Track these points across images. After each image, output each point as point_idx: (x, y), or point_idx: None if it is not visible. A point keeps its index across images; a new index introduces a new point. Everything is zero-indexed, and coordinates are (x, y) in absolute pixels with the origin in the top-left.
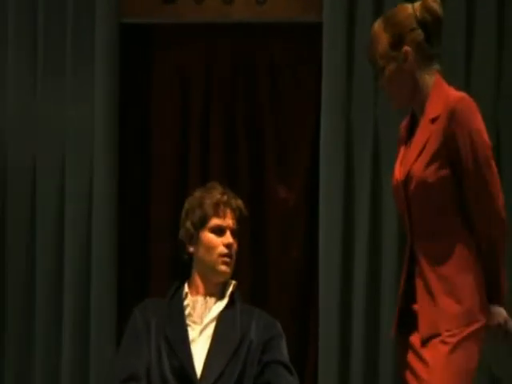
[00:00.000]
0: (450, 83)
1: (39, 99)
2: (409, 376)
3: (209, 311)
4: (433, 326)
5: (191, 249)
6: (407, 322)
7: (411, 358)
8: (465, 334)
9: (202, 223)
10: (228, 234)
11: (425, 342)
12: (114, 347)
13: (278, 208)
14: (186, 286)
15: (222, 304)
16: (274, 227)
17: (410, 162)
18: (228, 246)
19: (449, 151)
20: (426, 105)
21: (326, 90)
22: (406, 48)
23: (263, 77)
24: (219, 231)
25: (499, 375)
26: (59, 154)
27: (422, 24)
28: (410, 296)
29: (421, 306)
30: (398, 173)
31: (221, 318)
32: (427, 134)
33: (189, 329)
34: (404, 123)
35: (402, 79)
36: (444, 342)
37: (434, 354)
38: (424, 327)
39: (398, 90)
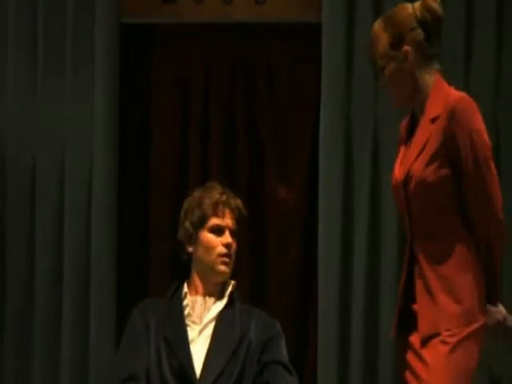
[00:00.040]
0: (449, 83)
1: (39, 99)
2: (408, 376)
3: (208, 311)
4: (433, 325)
5: (190, 249)
6: (407, 321)
7: (411, 357)
8: (465, 333)
9: (201, 223)
10: (227, 233)
11: (425, 342)
12: (114, 347)
13: (277, 208)
14: (185, 285)
15: (221, 304)
16: (274, 227)
17: (410, 161)
18: (227, 245)
19: (449, 151)
20: (426, 104)
21: (326, 90)
22: (406, 47)
23: (263, 77)
24: (218, 231)
25: (499, 374)
26: (59, 153)
27: (422, 23)
28: (409, 296)
29: (420, 306)
30: (398, 172)
31: (220, 318)
32: (427, 134)
33: (188, 329)
34: (404, 123)
35: (402, 79)
36: (444, 342)
37: (434, 353)
38: (424, 327)
39: (398, 90)
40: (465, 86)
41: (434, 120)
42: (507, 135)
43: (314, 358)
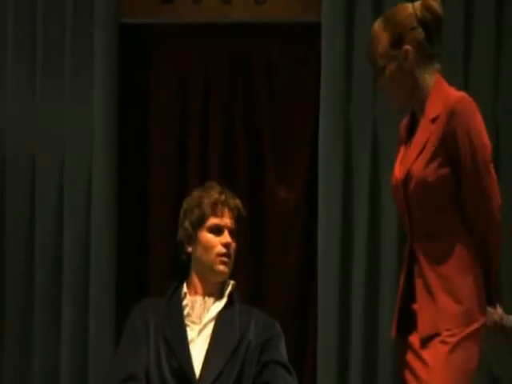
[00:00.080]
0: (448, 83)
1: (38, 100)
2: (408, 376)
3: (207, 311)
4: (432, 325)
5: (189, 249)
6: (406, 321)
7: (410, 357)
8: (465, 333)
9: (199, 223)
10: (226, 233)
11: (424, 342)
12: (113, 347)
13: (277, 208)
14: (184, 285)
15: (220, 304)
16: (273, 227)
17: (410, 161)
18: (226, 245)
19: (448, 151)
20: (427, 104)
21: (325, 90)
22: (407, 47)
23: (262, 77)
24: (217, 231)
25: (499, 374)
26: (59, 154)
27: (423, 23)
28: (409, 296)
29: (420, 306)
30: (398, 172)
31: (219, 318)
32: (427, 134)
33: (187, 329)
34: (404, 122)
35: (403, 78)
36: (444, 342)
37: (434, 354)
38: (424, 327)
39: (397, 90)
40: (464, 86)
41: (434, 120)
42: (506, 135)
43: (314, 358)
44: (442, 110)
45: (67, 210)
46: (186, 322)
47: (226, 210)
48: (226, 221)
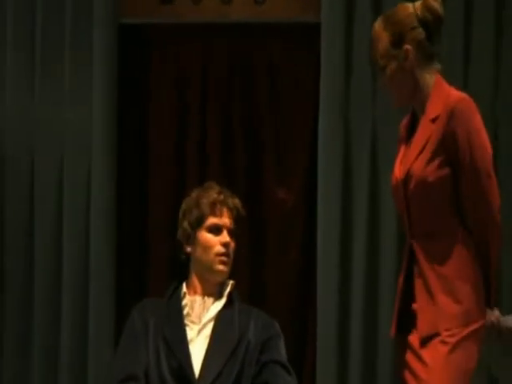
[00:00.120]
0: (448, 82)
1: (38, 101)
2: (408, 376)
3: (207, 311)
4: (432, 325)
5: (189, 249)
6: (406, 321)
7: (410, 357)
8: (464, 333)
9: (198, 223)
10: (225, 233)
11: (424, 342)
12: (113, 348)
13: (276, 208)
14: (184, 285)
15: (220, 304)
16: (273, 227)
17: (410, 160)
18: (225, 245)
19: (448, 151)
20: (427, 104)
21: (325, 90)
22: (407, 46)
23: (261, 77)
24: (216, 230)
25: (496, 375)
26: (58, 155)
27: (423, 23)
28: (408, 296)
29: (420, 306)
30: (398, 172)
31: (219, 318)
32: (428, 134)
33: (187, 329)
34: (404, 122)
35: (403, 78)
36: (444, 342)
37: (434, 353)
38: (423, 326)
39: (398, 89)
40: (463, 86)
41: (434, 120)
42: (506, 135)
43: (313, 358)
44: (442, 110)
45: (67, 210)
46: (186, 321)
47: (225, 210)
48: (225, 220)
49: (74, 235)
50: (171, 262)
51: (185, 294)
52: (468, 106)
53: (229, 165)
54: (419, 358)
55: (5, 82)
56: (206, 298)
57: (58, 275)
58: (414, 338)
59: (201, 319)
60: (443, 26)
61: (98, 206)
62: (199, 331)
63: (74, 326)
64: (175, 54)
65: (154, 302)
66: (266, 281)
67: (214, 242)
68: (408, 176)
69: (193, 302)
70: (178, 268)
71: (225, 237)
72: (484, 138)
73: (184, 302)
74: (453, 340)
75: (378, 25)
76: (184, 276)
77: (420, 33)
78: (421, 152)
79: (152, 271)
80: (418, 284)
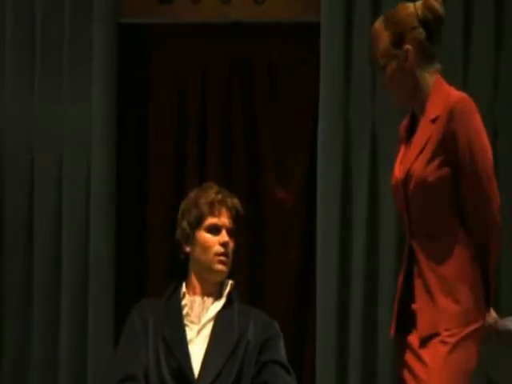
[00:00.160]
0: (447, 83)
1: (37, 99)
2: (407, 376)
3: (206, 311)
4: (432, 325)
5: (188, 249)
6: (405, 321)
7: (409, 357)
8: (464, 333)
9: (197, 223)
10: (224, 232)
11: (424, 342)
12: (112, 347)
13: (275, 208)
14: (183, 285)
15: (219, 304)
16: (272, 227)
17: (410, 161)
18: (224, 244)
19: (448, 151)
20: (427, 105)
21: (324, 90)
22: (407, 46)
23: (261, 77)
24: (215, 230)
25: (495, 378)
26: (57, 153)
27: (424, 23)
28: (408, 296)
29: (419, 306)
30: (398, 172)
31: (218, 318)
32: (428, 134)
33: (186, 329)
34: (404, 123)
35: (403, 78)
36: (443, 342)
37: (433, 353)
38: (423, 327)
39: (398, 89)
40: (463, 86)
41: (434, 120)
42: (505, 134)
43: (313, 358)
44: (442, 111)
45: (66, 208)
46: (185, 321)
47: (224, 210)
48: (224, 220)
49: (73, 232)
50: (170, 261)
51: (184, 294)
52: (468, 106)
53: (228, 164)
54: (419, 358)
55: (4, 80)
56: (205, 298)
57: (58, 273)
58: (413, 338)
59: (200, 319)
60: (443, 26)
61: (97, 204)
62: (199, 331)
63: (74, 324)
64: (175, 54)
65: (153, 302)
66: (266, 281)
67: (213, 242)
68: (408, 176)
69: (192, 302)
70: (177, 268)
71: (224, 237)
72: (484, 139)
73: (183, 302)
74: (452, 340)
75: (379, 24)
76: (183, 276)
77: (420, 33)
78: (421, 152)
79: (151, 271)
80: (418, 284)
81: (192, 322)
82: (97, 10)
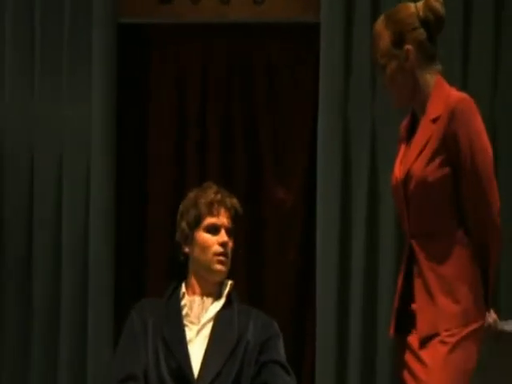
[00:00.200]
0: (447, 82)
1: (37, 99)
2: (407, 376)
3: (206, 311)
4: (432, 325)
5: (187, 249)
6: (405, 321)
7: (409, 358)
8: (464, 333)
9: (196, 223)
10: (223, 232)
11: (423, 342)
12: (111, 348)
13: (275, 208)
14: (183, 286)
15: (219, 304)
16: (272, 227)
17: (411, 160)
18: (223, 244)
19: (449, 152)
20: (427, 105)
21: (324, 90)
22: (408, 47)
23: (261, 77)
24: (214, 230)
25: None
26: (57, 153)
27: (425, 23)
28: (407, 295)
29: (419, 306)
30: (398, 171)
31: (218, 318)
32: (428, 134)
33: (186, 329)
34: (404, 123)
35: (403, 78)
36: (443, 342)
37: (433, 354)
38: (423, 327)
39: (398, 89)
40: (462, 86)
41: (435, 120)
42: (505, 134)
43: (312, 358)
44: (443, 111)
45: (66, 208)
46: (185, 322)
47: (223, 209)
48: (223, 220)
49: (73, 233)
50: (170, 262)
51: (184, 294)
52: (469, 107)
53: (228, 165)
54: (418, 358)
55: (4, 80)
56: (204, 298)
57: (57, 274)
58: (413, 339)
59: (200, 319)
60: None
61: (97, 204)
62: (198, 331)
63: (73, 326)
64: (175, 54)
65: (152, 303)
66: (265, 280)
67: (212, 242)
68: (408, 176)
69: (192, 303)
70: (177, 268)
71: (222, 236)
72: (485, 140)
73: (183, 303)
74: (452, 340)
75: (380, 23)
76: (183, 276)
77: (421, 33)
78: (421, 152)
79: (151, 271)
80: (418, 284)
81: (191, 322)
82: (96, 10)
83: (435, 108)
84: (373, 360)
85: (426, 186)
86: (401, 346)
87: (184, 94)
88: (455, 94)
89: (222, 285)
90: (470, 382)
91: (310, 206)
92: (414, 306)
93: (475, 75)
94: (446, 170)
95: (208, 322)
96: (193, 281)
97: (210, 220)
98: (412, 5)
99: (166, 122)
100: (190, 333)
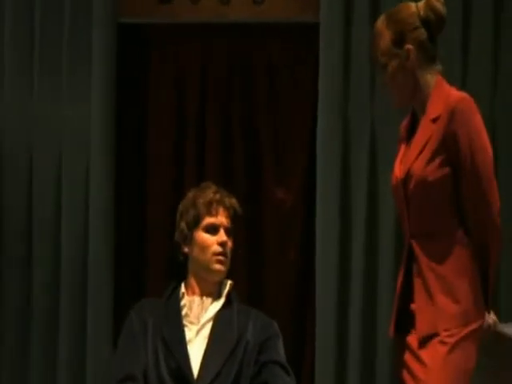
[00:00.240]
0: (446, 82)
1: (36, 99)
2: (406, 376)
3: (205, 311)
4: (431, 325)
5: (186, 249)
6: (405, 321)
7: (408, 358)
8: (463, 333)
9: (195, 223)
10: (222, 232)
11: (423, 342)
12: (111, 347)
13: (275, 208)
14: (182, 286)
15: (218, 304)
16: (271, 227)
17: (411, 160)
18: (222, 244)
19: (449, 151)
20: (428, 105)
21: (323, 90)
22: (409, 46)
23: (260, 77)
24: (213, 230)
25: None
26: (56, 153)
27: (426, 23)
28: (407, 295)
29: (419, 306)
30: (398, 171)
31: (217, 318)
32: (428, 134)
33: (186, 329)
34: (404, 123)
35: (404, 78)
36: (443, 342)
37: (432, 354)
38: (422, 326)
39: (398, 89)
40: (462, 86)
41: (435, 120)
42: (504, 134)
43: (312, 358)
44: (443, 110)
45: (65, 208)
46: (184, 322)
47: (222, 209)
48: (222, 220)
49: (72, 233)
50: (169, 262)
51: (183, 294)
52: (468, 106)
53: (228, 165)
54: (418, 358)
55: (3, 80)
56: (204, 298)
57: (57, 274)
58: (412, 339)
59: (199, 319)
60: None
61: (96, 206)
62: (198, 331)
63: (73, 325)
64: (174, 54)
65: (152, 303)
66: (265, 281)
67: (211, 242)
68: (408, 176)
69: (191, 303)
70: (176, 268)
71: (221, 236)
72: (485, 140)
73: (182, 303)
74: (452, 340)
75: (381, 22)
76: (182, 276)
77: (422, 33)
78: (421, 152)
79: (150, 271)
80: (417, 284)
81: (191, 323)
82: (96, 10)
83: (435, 108)
84: (372, 360)
85: (426, 186)
86: (400, 345)
87: (183, 94)
88: (455, 94)
89: (221, 285)
90: (469, 382)
91: (309, 206)
92: (413, 305)
93: (475, 75)
94: (446, 169)
95: (207, 322)
96: (192, 281)
97: (208, 220)
98: (413, 4)
99: (166, 122)
100: (189, 333)
